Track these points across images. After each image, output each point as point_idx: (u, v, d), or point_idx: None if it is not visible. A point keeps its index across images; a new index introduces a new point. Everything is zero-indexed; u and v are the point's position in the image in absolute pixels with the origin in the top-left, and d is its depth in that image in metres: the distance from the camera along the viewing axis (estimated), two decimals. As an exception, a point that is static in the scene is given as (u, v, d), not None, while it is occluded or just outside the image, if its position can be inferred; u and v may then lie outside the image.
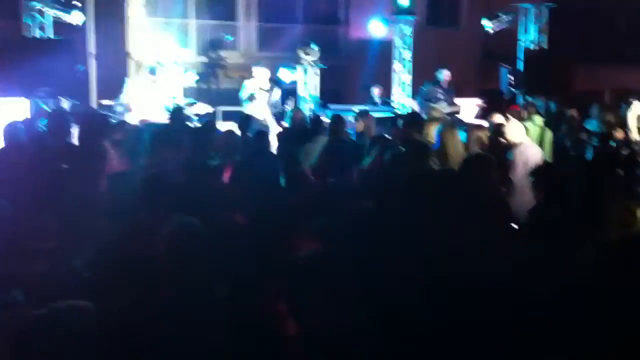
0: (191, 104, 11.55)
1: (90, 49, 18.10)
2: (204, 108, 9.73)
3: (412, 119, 7.33)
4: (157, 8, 20.13)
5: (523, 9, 13.03)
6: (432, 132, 7.01)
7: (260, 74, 11.31)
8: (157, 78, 11.27)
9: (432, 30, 20.55)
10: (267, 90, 11.14)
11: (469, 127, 7.52)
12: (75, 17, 12.45)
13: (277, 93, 11.52)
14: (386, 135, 6.87)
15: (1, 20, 13.24)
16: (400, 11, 14.19)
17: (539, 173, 5.04)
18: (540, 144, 8.63)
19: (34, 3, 11.70)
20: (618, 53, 25.34)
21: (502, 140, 6.91)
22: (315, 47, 13.59)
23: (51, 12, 11.84)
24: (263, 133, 6.57)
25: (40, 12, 11.79)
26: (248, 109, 10.74)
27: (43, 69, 9.81)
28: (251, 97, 11.09)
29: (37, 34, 11.76)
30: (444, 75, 11.37)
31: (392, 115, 11.74)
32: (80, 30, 13.45)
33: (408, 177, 4.34)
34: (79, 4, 12.81)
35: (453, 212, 4.11)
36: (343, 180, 5.13)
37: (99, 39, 19.17)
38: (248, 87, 11.27)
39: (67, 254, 3.82)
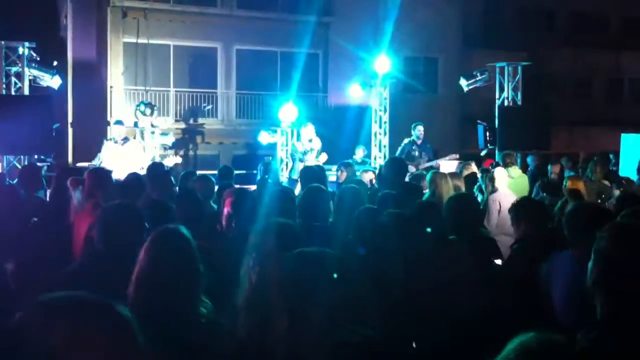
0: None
1: (68, 114, 18.12)
2: (174, 160, 9.77)
3: (394, 163, 7.28)
4: (137, 77, 20.31)
5: (499, 68, 13.26)
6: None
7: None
8: (132, 141, 11.20)
9: (410, 94, 20.91)
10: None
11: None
12: (54, 81, 12.44)
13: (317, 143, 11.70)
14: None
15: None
16: (377, 77, 14.35)
17: (518, 206, 4.89)
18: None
19: (15, 68, 11.71)
20: (591, 115, 25.99)
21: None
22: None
23: (33, 73, 11.81)
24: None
25: (18, 76, 11.77)
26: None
27: (19, 126, 9.74)
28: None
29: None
30: (418, 131, 11.42)
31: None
32: (57, 94, 13.44)
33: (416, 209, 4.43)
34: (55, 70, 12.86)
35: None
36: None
37: (76, 105, 19.24)
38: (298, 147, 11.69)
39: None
